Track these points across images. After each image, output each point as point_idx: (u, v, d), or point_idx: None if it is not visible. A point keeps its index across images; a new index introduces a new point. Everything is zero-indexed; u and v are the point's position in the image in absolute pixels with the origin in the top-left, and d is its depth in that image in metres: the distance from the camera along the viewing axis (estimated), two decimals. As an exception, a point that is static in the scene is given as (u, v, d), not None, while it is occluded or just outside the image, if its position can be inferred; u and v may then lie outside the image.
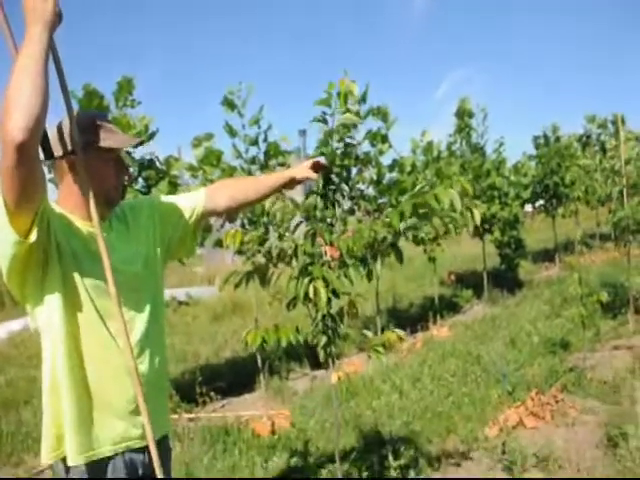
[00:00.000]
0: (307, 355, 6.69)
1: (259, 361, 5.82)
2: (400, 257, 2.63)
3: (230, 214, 4.31)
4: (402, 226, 2.49)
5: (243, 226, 5.15)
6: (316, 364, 6.54)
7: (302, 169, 2.22)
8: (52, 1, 1.50)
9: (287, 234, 3.20)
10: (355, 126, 3.02)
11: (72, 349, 1.67)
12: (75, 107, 4.82)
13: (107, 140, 1.71)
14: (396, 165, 6.95)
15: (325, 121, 3.07)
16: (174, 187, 4.85)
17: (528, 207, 13.86)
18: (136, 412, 1.68)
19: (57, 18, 1.53)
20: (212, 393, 5.28)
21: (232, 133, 5.36)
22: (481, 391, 4.97)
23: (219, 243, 5.07)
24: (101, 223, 1.67)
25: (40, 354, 1.73)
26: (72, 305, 1.66)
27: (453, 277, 11.53)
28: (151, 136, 4.95)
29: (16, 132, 1.37)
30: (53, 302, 1.65)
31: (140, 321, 1.78)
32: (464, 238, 12.83)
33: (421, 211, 2.34)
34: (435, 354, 6.38)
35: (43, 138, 1.58)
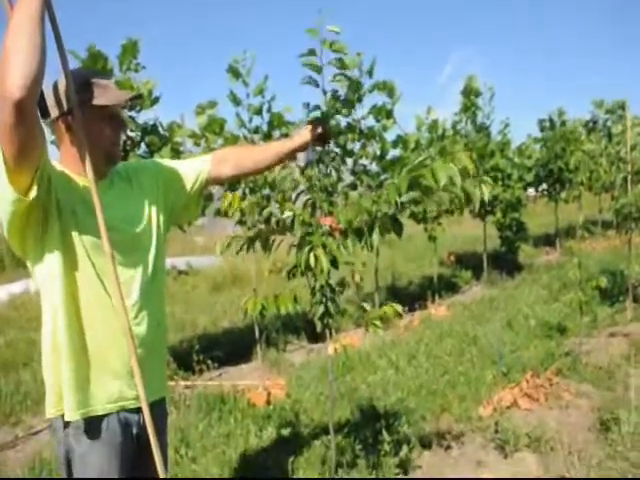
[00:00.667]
0: (305, 328, 6.71)
1: (257, 332, 5.84)
2: (400, 231, 2.58)
3: (233, 181, 4.27)
4: (403, 199, 2.43)
5: (244, 195, 5.12)
6: (314, 337, 6.58)
7: (302, 136, 2.16)
8: None
9: (287, 203, 3.17)
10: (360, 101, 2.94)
11: (71, 308, 1.68)
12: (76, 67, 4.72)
13: (100, 97, 1.70)
14: (400, 141, 6.90)
15: (316, 83, 2.89)
16: (176, 154, 4.81)
17: (531, 190, 13.78)
18: (132, 373, 1.68)
19: None
20: (209, 362, 5.31)
21: (236, 102, 5.31)
22: (476, 371, 4.99)
23: (220, 212, 5.05)
24: (100, 181, 1.71)
25: (40, 317, 1.74)
26: (71, 263, 1.67)
27: (453, 257, 11.52)
28: (154, 101, 4.88)
29: (14, 89, 1.36)
30: (52, 260, 1.66)
31: (138, 282, 1.78)
32: (465, 219, 12.78)
33: (418, 184, 2.27)
34: (432, 333, 6.40)
35: (40, 98, 1.56)
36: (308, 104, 2.27)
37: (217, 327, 7.13)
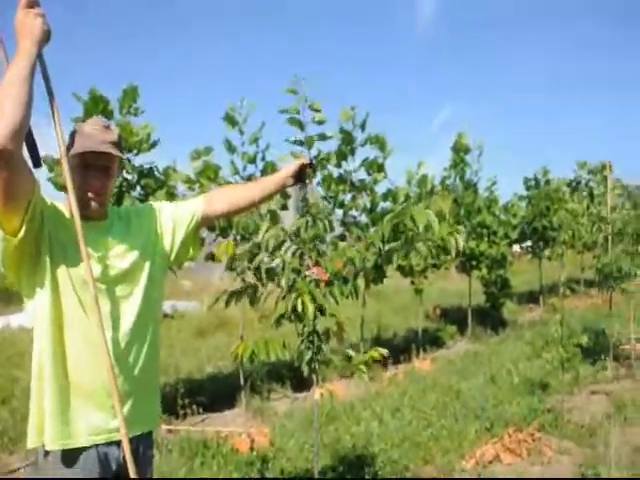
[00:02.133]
0: (289, 377, 6.69)
1: (241, 379, 5.82)
2: (382, 277, 2.67)
3: (228, 218, 4.34)
4: (387, 247, 2.53)
5: (235, 241, 5.20)
6: (298, 386, 6.55)
7: (286, 169, 2.25)
8: (40, 20, 1.66)
9: (277, 253, 3.25)
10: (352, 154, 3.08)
11: (56, 338, 1.75)
12: (80, 111, 4.84)
13: (75, 146, 1.82)
14: (390, 195, 7.06)
15: (301, 143, 3.04)
16: (171, 197, 4.90)
17: (515, 247, 14.01)
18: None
19: (46, 35, 1.68)
20: (194, 407, 5.27)
21: (231, 149, 5.46)
22: (459, 425, 5.00)
23: (210, 257, 5.12)
24: (101, 221, 1.87)
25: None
26: (58, 295, 1.75)
27: (438, 311, 11.59)
28: (152, 145, 5.01)
29: None
30: (42, 294, 1.75)
31: (128, 316, 1.84)
32: (451, 273, 12.92)
33: (401, 232, 2.38)
34: (416, 386, 6.41)
35: (32, 147, 1.69)
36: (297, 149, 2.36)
37: (201, 372, 7.07)
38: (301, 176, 2.25)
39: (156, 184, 4.88)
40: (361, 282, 2.36)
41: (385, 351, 2.77)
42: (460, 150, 9.80)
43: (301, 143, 2.67)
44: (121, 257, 1.87)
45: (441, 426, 4.97)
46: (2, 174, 1.54)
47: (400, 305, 12.60)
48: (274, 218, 4.89)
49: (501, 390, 6.10)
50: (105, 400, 1.76)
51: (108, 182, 1.87)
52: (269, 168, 5.41)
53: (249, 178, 5.41)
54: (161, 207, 2.10)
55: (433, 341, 9.43)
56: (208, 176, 5.19)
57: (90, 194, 1.83)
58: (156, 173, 5.02)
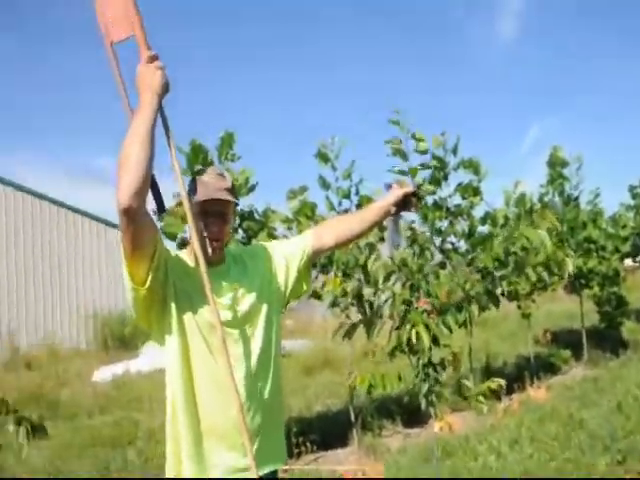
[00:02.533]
0: (399, 412, 6.57)
1: (352, 416, 5.77)
2: (497, 303, 2.58)
3: (337, 249, 4.40)
4: (497, 273, 2.46)
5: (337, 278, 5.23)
6: (408, 422, 6.42)
7: (391, 198, 2.22)
8: (160, 72, 1.76)
9: (381, 286, 3.24)
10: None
11: (187, 382, 1.83)
12: (182, 162, 5.08)
13: (197, 194, 1.91)
14: (489, 217, 6.85)
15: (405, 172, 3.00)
16: (272, 238, 5.02)
17: (628, 261, 13.10)
18: (244, 444, 1.77)
19: (165, 87, 1.78)
20: (307, 444, 5.29)
21: (325, 186, 5.54)
22: (586, 458, 4.67)
23: (313, 294, 5.17)
24: (219, 266, 1.94)
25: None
26: (186, 340, 1.84)
27: (549, 335, 11.01)
28: (251, 189, 5.16)
29: (122, 199, 1.60)
30: (171, 337, 1.84)
31: (251, 357, 1.91)
32: (559, 295, 12.29)
33: (513, 254, 2.30)
34: (533, 416, 6.08)
35: (156, 194, 1.78)
36: (390, 185, 2.36)
37: (310, 410, 7.10)
38: (405, 205, 2.22)
39: (257, 226, 5.03)
40: (475, 309, 2.30)
41: (502, 381, 2.67)
42: (556, 164, 9.37)
43: (404, 173, 2.67)
44: (241, 300, 1.94)
45: (566, 459, 4.66)
46: (129, 229, 1.66)
47: (507, 331, 12.12)
48: (373, 251, 4.89)
49: (630, 419, 5.65)
50: (236, 439, 1.81)
51: (225, 227, 1.95)
52: (364, 201, 5.44)
53: (345, 213, 5.46)
54: (273, 246, 2.17)
55: (546, 367, 8.96)
56: (305, 214, 5.29)
57: (209, 240, 1.91)
58: (256, 215, 5.18)
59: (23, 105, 33.31)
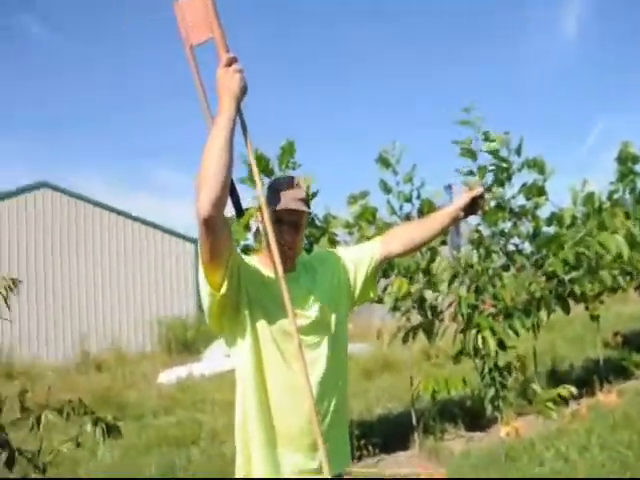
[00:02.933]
0: (461, 416, 6.47)
1: (413, 419, 5.73)
2: (567, 308, 2.52)
3: (404, 256, 4.41)
4: (567, 276, 2.40)
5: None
6: (471, 425, 6.30)
7: (460, 203, 2.19)
8: (239, 75, 1.78)
9: (442, 288, 3.21)
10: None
11: (259, 387, 1.87)
12: (243, 172, 5.14)
13: (275, 203, 1.94)
14: (555, 218, 6.64)
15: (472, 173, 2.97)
16: (333, 244, 5.06)
17: None
18: (313, 446, 1.82)
19: (244, 90, 1.80)
20: (369, 448, 5.29)
21: (387, 190, 5.54)
22: (664, 468, 4.47)
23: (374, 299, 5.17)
24: (291, 273, 1.94)
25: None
26: (259, 345, 1.88)
27: (619, 338, 10.57)
28: (312, 196, 5.22)
29: (201, 209, 1.64)
30: (243, 342, 1.88)
31: (321, 362, 1.94)
32: (630, 296, 11.78)
33: (585, 257, 2.24)
34: (604, 422, 5.84)
35: (235, 199, 1.83)
36: (450, 186, 2.32)
37: (371, 413, 7.09)
38: (473, 208, 2.18)
39: (318, 232, 5.06)
40: (543, 314, 2.25)
41: (573, 388, 2.59)
42: (627, 160, 8.98)
43: (472, 173, 2.64)
44: (311, 306, 1.97)
45: (643, 469, 4.48)
46: (208, 238, 1.71)
47: (574, 334, 11.73)
48: (435, 254, 4.85)
49: None
50: (306, 442, 1.86)
51: (298, 236, 1.99)
52: (426, 205, 5.40)
53: (407, 217, 5.44)
54: (342, 252, 2.21)
55: (617, 372, 8.60)
56: (367, 219, 5.30)
57: (284, 249, 1.93)
58: (317, 222, 5.22)
59: (91, 121, 34.76)
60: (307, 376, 1.79)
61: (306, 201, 2.02)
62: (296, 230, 1.98)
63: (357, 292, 2.13)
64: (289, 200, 1.95)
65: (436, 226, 2.21)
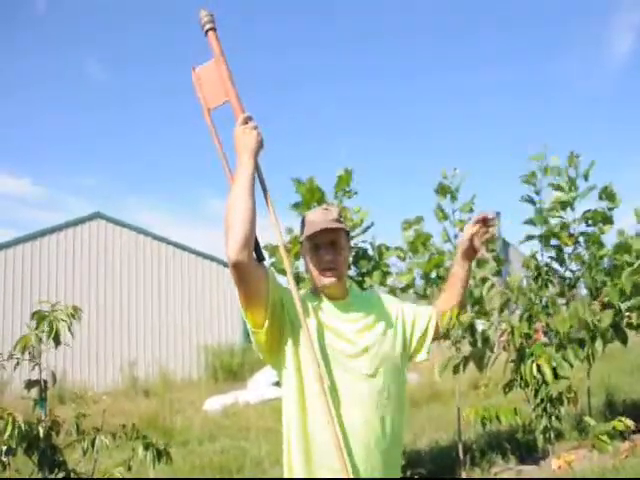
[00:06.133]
0: (510, 448, 6.30)
1: (460, 451, 5.61)
2: (624, 339, 2.47)
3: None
4: (625, 305, 2.36)
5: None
6: (520, 458, 6.13)
7: (460, 247, 2.20)
8: (255, 132, 1.88)
9: (493, 317, 3.18)
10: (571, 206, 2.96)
11: (301, 420, 1.89)
12: (299, 200, 5.15)
13: (305, 232, 2.00)
14: (622, 248, 6.29)
15: (532, 201, 3.01)
16: (384, 276, 5.01)
17: None
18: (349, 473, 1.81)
19: (260, 145, 1.90)
20: (415, 478, 5.20)
21: (444, 217, 5.51)
22: None
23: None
24: (343, 300, 2.03)
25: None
26: (301, 374, 1.90)
27: (678, 370, 10.12)
28: (366, 229, 5.14)
29: (231, 256, 1.73)
30: (287, 372, 1.92)
31: (374, 395, 1.93)
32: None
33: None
34: (662, 458, 5.59)
35: (256, 245, 1.88)
36: (498, 213, 2.31)
37: (418, 444, 6.97)
38: (474, 245, 2.12)
39: (369, 263, 4.98)
40: (599, 344, 2.21)
41: (631, 422, 2.51)
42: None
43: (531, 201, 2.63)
44: (362, 333, 1.99)
45: None
46: (242, 283, 1.80)
47: (630, 364, 11.27)
48: (485, 281, 4.76)
49: None
50: (344, 470, 1.83)
51: (338, 255, 2.00)
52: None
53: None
54: (402, 302, 2.24)
55: (677, 405, 8.23)
56: (422, 244, 5.25)
57: (323, 269, 1.98)
58: (369, 251, 5.12)
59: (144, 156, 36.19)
60: (330, 406, 1.80)
61: (339, 221, 2.04)
62: (334, 249, 1.99)
63: (413, 342, 2.12)
64: (319, 224, 1.99)
65: (460, 275, 2.19)
